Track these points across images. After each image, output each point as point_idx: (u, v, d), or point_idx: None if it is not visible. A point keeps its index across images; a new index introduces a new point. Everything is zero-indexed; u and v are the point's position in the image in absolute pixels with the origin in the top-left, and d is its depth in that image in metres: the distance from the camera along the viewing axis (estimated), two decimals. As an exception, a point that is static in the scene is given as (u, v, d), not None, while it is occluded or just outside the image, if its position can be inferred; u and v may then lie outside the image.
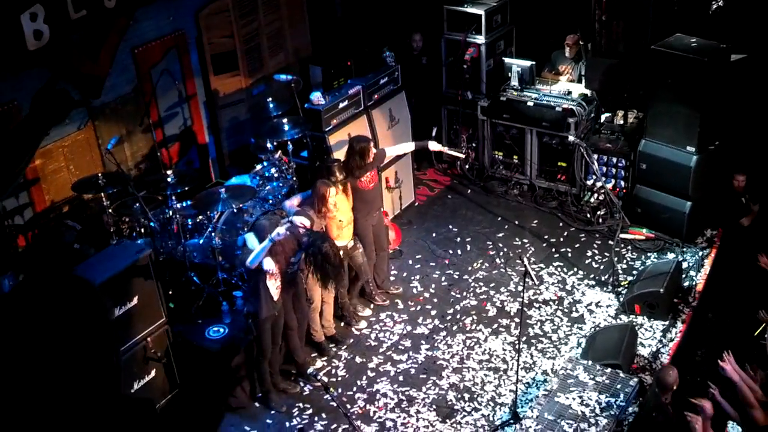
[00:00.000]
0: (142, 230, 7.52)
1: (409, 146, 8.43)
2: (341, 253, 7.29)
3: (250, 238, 6.50)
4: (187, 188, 7.58)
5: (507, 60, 9.64)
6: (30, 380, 1.58)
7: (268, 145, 8.13)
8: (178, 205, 7.55)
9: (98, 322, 1.64)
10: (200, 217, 7.66)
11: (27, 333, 1.58)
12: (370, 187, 7.61)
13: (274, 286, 6.50)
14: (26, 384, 1.58)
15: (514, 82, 9.44)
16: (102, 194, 7.33)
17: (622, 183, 9.02)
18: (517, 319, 7.50)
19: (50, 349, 1.60)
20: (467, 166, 10.12)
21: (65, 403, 1.60)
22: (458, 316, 7.84)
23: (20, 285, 1.69)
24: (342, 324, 7.74)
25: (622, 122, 9.20)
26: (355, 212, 7.45)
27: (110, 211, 7.42)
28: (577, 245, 8.78)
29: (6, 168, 2.37)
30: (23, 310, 1.60)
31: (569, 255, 8.62)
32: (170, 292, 7.32)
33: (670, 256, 8.39)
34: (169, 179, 7.42)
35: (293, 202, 6.96)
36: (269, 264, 6.30)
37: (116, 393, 1.68)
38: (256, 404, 6.97)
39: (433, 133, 10.08)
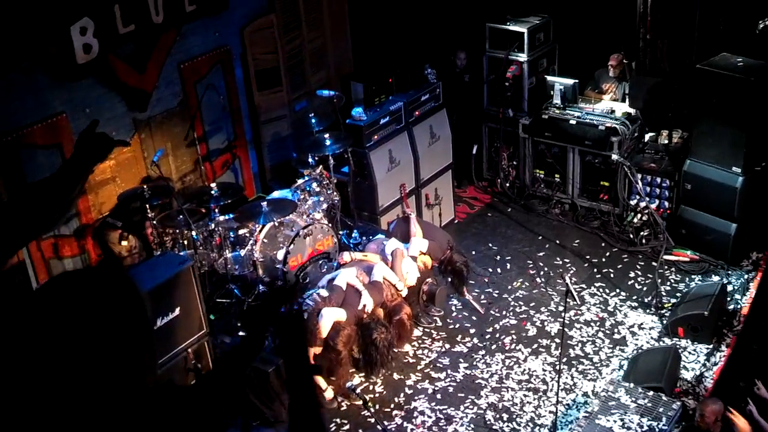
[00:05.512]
0: (185, 242, 7.60)
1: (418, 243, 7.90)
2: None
3: None
4: (229, 201, 7.66)
5: (549, 78, 9.61)
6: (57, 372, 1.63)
7: (310, 159, 8.18)
8: (221, 218, 7.62)
9: (139, 326, 1.67)
10: (242, 230, 7.72)
11: (62, 327, 1.62)
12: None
13: None
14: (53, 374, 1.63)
15: (557, 101, 9.38)
16: (147, 206, 7.43)
17: (666, 203, 8.89)
18: (557, 340, 7.42)
19: (83, 346, 1.63)
20: (507, 184, 10.08)
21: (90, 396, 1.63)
22: (497, 335, 7.78)
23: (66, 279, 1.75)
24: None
25: (666, 142, 9.08)
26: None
27: (154, 222, 7.51)
28: (620, 266, 8.67)
29: (54, 202, 2.43)
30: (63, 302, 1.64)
31: (611, 276, 8.52)
32: (211, 304, 7.38)
33: (715, 278, 8.25)
34: (212, 192, 7.50)
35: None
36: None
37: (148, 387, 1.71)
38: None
39: (474, 151, 10.09)
